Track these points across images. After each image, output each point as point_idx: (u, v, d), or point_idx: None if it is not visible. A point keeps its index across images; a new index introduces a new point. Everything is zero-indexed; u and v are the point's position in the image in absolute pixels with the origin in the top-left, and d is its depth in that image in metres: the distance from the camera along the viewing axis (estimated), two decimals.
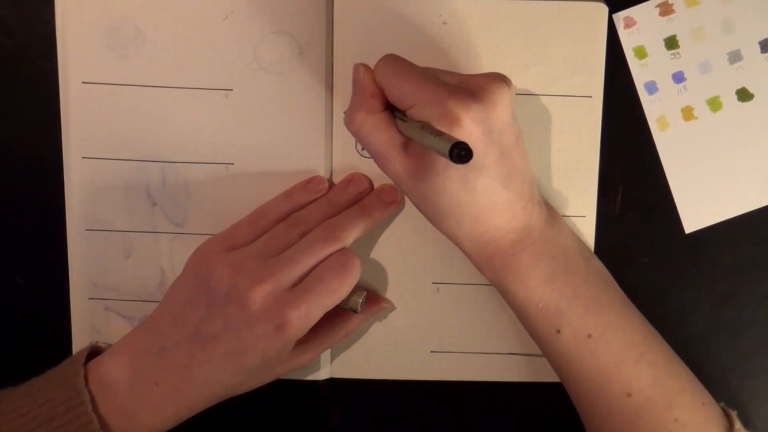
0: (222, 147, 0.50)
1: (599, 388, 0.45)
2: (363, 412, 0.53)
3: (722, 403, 0.48)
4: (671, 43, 0.49)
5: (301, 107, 0.49)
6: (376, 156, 0.44)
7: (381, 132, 0.43)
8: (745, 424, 0.48)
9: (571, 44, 0.49)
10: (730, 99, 0.50)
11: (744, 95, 0.50)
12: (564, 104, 0.50)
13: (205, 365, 0.43)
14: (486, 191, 0.42)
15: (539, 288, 0.45)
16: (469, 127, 0.40)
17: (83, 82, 0.49)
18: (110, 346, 0.47)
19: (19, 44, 0.50)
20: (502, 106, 0.41)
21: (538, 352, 0.51)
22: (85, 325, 0.51)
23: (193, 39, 0.49)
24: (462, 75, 0.44)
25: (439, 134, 0.39)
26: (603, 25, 0.49)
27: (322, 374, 0.52)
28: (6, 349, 0.52)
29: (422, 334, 0.51)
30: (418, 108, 0.41)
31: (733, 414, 0.47)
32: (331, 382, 0.52)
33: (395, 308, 0.51)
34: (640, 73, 0.50)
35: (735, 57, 0.49)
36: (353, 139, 0.50)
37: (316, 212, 0.47)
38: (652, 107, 0.50)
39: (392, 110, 0.44)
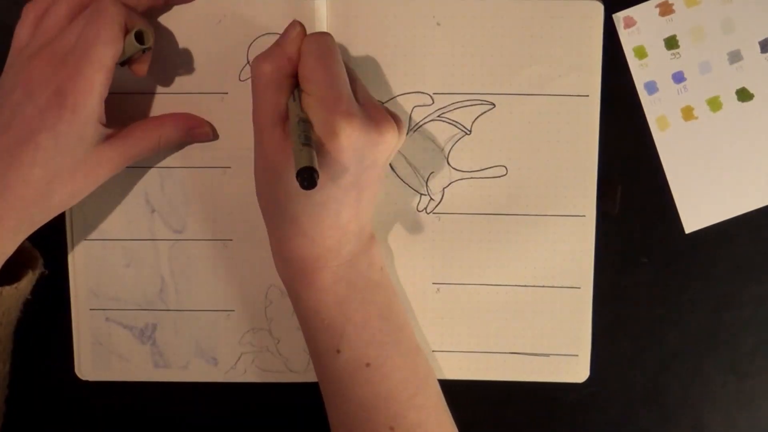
0: (218, 151, 0.49)
1: (365, 417, 0.45)
2: None
3: None
4: (671, 43, 0.49)
5: None
6: (256, 110, 0.43)
7: (274, 92, 0.43)
8: (746, 425, 0.49)
9: (567, 43, 0.49)
10: (730, 99, 0.49)
11: (744, 95, 0.49)
12: (561, 104, 0.49)
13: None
14: (319, 203, 0.42)
15: (330, 305, 0.45)
16: (342, 145, 0.41)
17: None
18: None
19: None
20: (383, 147, 0.42)
21: (539, 351, 0.51)
22: (86, 336, 0.51)
23: (187, 43, 0.48)
24: (370, 100, 0.44)
25: (309, 142, 0.39)
26: (599, 24, 0.49)
27: None
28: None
29: (423, 334, 0.52)
30: (313, 99, 0.42)
31: None
32: None
33: (216, 137, 0.50)
34: (640, 73, 0.49)
35: (735, 57, 0.49)
36: None
37: None
38: (652, 107, 0.50)
39: (296, 85, 0.44)
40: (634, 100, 0.50)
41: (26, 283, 0.46)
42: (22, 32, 0.46)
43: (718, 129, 0.50)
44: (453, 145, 0.50)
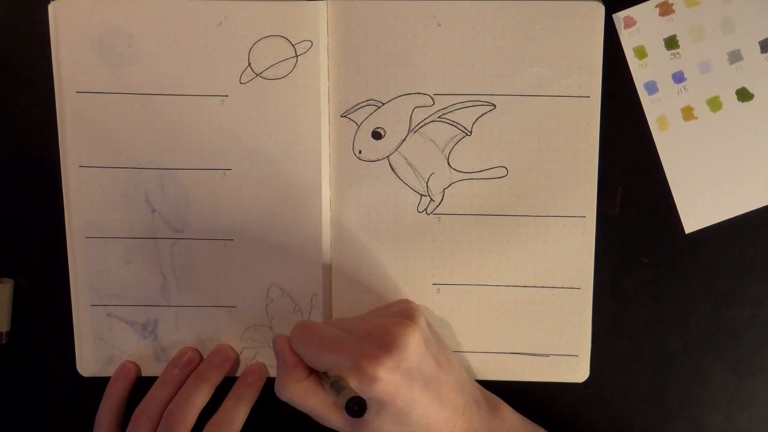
0: (219, 153, 0.50)
1: None
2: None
3: None
4: (671, 43, 0.49)
5: (298, 112, 0.49)
6: (314, 416, 0.46)
7: (311, 396, 0.45)
8: (746, 425, 0.49)
9: (568, 44, 0.49)
10: (730, 99, 0.49)
11: (744, 95, 0.49)
12: (561, 105, 0.49)
13: None
14: (422, 419, 0.44)
15: None
16: (387, 380, 0.42)
17: (78, 92, 0.49)
18: None
19: (18, 44, 0.50)
20: (412, 346, 0.44)
21: (539, 351, 0.51)
22: (88, 332, 0.52)
23: (187, 46, 0.49)
24: (370, 321, 0.46)
25: (342, 387, 0.42)
26: (600, 25, 0.49)
27: None
28: (9, 358, 0.53)
29: None
30: (336, 370, 0.44)
31: None
32: None
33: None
34: (640, 73, 0.49)
35: (735, 57, 0.49)
36: (350, 143, 0.50)
37: (153, 401, 0.50)
38: (652, 107, 0.50)
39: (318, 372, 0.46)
40: (634, 100, 0.50)
41: None
42: None
43: (718, 129, 0.49)
44: (453, 146, 0.50)
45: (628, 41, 0.49)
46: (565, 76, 0.49)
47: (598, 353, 0.51)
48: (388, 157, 0.50)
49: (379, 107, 0.50)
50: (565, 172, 0.50)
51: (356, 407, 0.40)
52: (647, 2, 0.49)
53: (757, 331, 0.51)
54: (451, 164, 0.50)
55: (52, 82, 0.49)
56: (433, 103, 0.50)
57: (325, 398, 0.45)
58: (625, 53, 0.49)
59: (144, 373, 0.52)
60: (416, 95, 0.50)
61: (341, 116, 0.50)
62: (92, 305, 0.51)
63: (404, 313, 0.47)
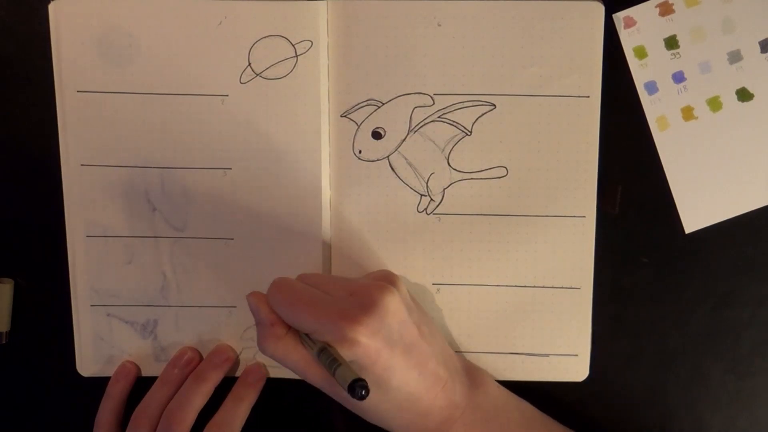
0: (219, 152, 0.50)
1: None
2: None
3: None
4: (671, 43, 0.49)
5: (298, 111, 0.49)
6: (295, 371, 0.45)
7: (292, 353, 0.45)
8: (746, 425, 0.49)
9: (568, 44, 0.49)
10: (730, 99, 0.49)
11: (744, 95, 0.49)
12: (561, 105, 0.49)
13: None
14: (402, 386, 0.44)
15: None
16: (366, 344, 0.42)
17: (78, 91, 0.49)
18: None
19: (18, 44, 0.50)
20: (393, 310, 0.44)
21: (538, 351, 0.51)
22: (88, 332, 0.52)
23: (188, 45, 0.49)
24: (349, 284, 0.45)
25: (337, 363, 0.41)
26: (600, 25, 0.49)
27: None
28: (9, 358, 0.53)
29: None
30: (316, 334, 0.43)
31: None
32: None
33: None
34: (640, 73, 0.49)
35: (735, 57, 0.49)
36: (350, 143, 0.50)
37: (153, 401, 0.50)
38: (652, 107, 0.50)
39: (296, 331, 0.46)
40: (634, 100, 0.50)
41: None
42: None
43: (718, 129, 0.49)
44: (453, 146, 0.50)
45: (628, 41, 0.49)
46: (565, 76, 0.49)
47: (598, 353, 0.51)
48: (388, 157, 0.50)
49: (379, 107, 0.50)
50: (565, 172, 0.50)
51: (363, 391, 0.40)
52: (647, 2, 0.49)
53: (757, 331, 0.51)
54: (451, 164, 0.50)
55: (52, 82, 0.49)
56: (433, 103, 0.50)
57: (305, 355, 0.44)
58: (625, 53, 0.49)
59: (144, 374, 0.52)
60: (416, 95, 0.50)
61: (341, 116, 0.50)
62: (92, 305, 0.51)
63: (385, 278, 0.46)
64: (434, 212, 0.51)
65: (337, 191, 0.50)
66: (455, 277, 0.51)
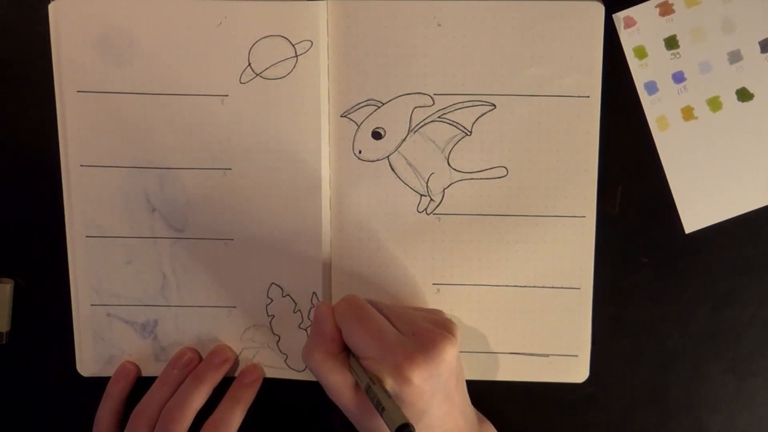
0: (219, 152, 0.50)
1: None
2: None
3: None
4: (671, 43, 0.49)
5: (298, 111, 0.49)
6: (328, 390, 0.46)
7: (336, 373, 0.45)
8: (746, 425, 0.49)
9: (568, 44, 0.49)
10: (730, 99, 0.49)
11: (744, 95, 0.49)
12: (562, 105, 0.49)
13: None
14: (427, 428, 0.45)
15: None
16: (418, 386, 0.43)
17: (78, 91, 0.49)
18: None
19: (18, 44, 0.50)
20: (449, 359, 0.44)
21: (538, 351, 0.51)
22: (88, 332, 0.52)
23: (188, 46, 0.49)
24: (415, 323, 0.45)
25: (385, 404, 0.42)
26: (600, 25, 0.49)
27: None
28: (9, 358, 0.53)
29: None
30: (373, 361, 0.44)
31: None
32: None
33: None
34: (640, 73, 0.49)
35: (735, 57, 0.49)
36: (350, 143, 0.50)
37: (152, 402, 0.50)
38: (652, 107, 0.50)
39: (348, 350, 0.46)
40: (634, 100, 0.50)
41: None
42: None
43: (718, 129, 0.49)
44: (453, 146, 0.50)
45: (628, 41, 0.49)
46: (565, 76, 0.49)
47: (598, 353, 0.51)
48: (388, 157, 0.50)
49: (379, 107, 0.50)
50: (565, 172, 0.50)
51: None
52: (647, 2, 0.49)
53: (757, 331, 0.51)
54: (451, 164, 0.50)
55: (52, 82, 0.49)
56: (433, 103, 0.50)
57: (347, 377, 0.45)
58: (625, 53, 0.49)
59: (144, 374, 0.52)
60: (416, 95, 0.50)
61: (341, 116, 0.50)
62: (92, 305, 0.51)
63: (445, 324, 0.46)
64: (434, 212, 0.51)
65: (337, 191, 0.50)
66: (455, 277, 0.51)
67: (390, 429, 0.41)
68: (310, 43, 0.49)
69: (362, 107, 0.50)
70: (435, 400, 0.44)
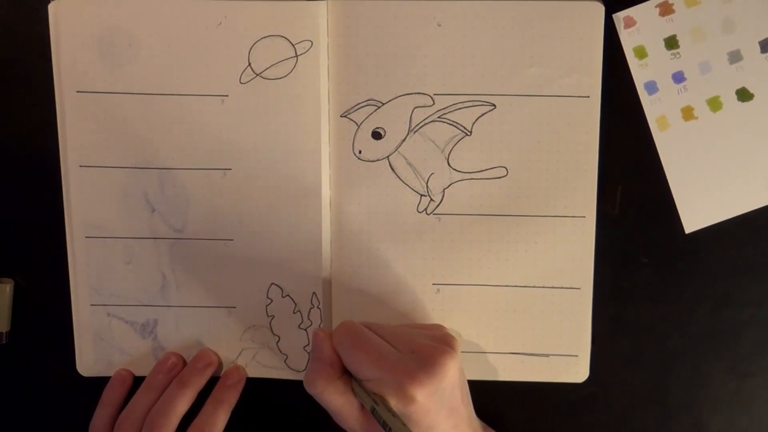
0: (219, 153, 0.50)
1: None
2: None
3: None
4: (671, 43, 0.49)
5: (298, 111, 0.49)
6: (334, 415, 0.46)
7: (339, 396, 0.45)
8: (746, 425, 0.49)
9: (568, 44, 0.49)
10: (730, 99, 0.49)
11: (744, 95, 0.49)
12: (562, 105, 0.49)
13: None
14: None
15: None
16: (422, 403, 0.43)
17: (78, 91, 0.49)
18: None
19: (18, 44, 0.50)
20: (451, 374, 0.44)
21: (538, 351, 0.51)
22: (87, 331, 0.52)
23: (187, 46, 0.49)
24: (414, 341, 0.45)
25: (391, 425, 0.42)
26: (600, 25, 0.49)
27: None
28: (9, 358, 0.53)
29: None
30: (375, 383, 0.44)
31: None
32: None
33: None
34: (640, 73, 0.49)
35: (735, 57, 0.49)
36: (350, 143, 0.50)
37: (137, 407, 0.50)
38: (652, 107, 0.50)
39: (350, 374, 0.46)
40: (634, 100, 0.50)
41: None
42: None
43: (718, 129, 0.49)
44: (453, 146, 0.50)
45: (628, 41, 0.49)
46: (565, 76, 0.49)
47: (598, 353, 0.51)
48: (388, 157, 0.50)
49: (379, 107, 0.50)
50: (565, 172, 0.50)
51: None
52: (647, 2, 0.49)
53: (757, 331, 0.51)
54: (451, 164, 0.50)
55: (52, 82, 0.49)
56: (433, 103, 0.50)
57: (351, 400, 0.45)
58: (625, 53, 0.49)
59: (144, 373, 0.52)
60: (416, 95, 0.50)
61: (341, 116, 0.50)
62: (92, 305, 0.51)
63: (444, 339, 0.46)
64: (434, 212, 0.51)
65: (337, 191, 0.50)
66: (455, 277, 0.51)
67: None
68: (310, 43, 0.49)
69: (362, 107, 0.50)
70: (441, 415, 0.44)
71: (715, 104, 0.49)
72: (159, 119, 0.50)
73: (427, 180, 0.50)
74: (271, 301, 0.51)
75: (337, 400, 0.45)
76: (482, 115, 0.50)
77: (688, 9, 0.49)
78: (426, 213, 0.51)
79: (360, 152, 0.50)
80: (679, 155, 0.50)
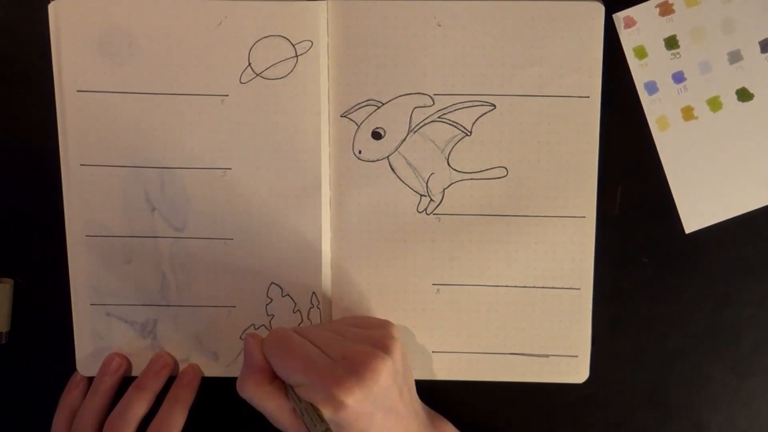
0: (219, 152, 0.50)
1: None
2: None
3: None
4: (671, 43, 0.49)
5: (297, 111, 0.49)
6: (267, 417, 0.46)
7: (271, 400, 0.45)
8: (746, 425, 0.49)
9: (568, 44, 0.49)
10: (730, 99, 0.49)
11: (744, 95, 0.49)
12: (561, 105, 0.49)
13: None
14: None
15: None
16: (352, 408, 0.43)
17: (78, 91, 0.49)
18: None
19: (18, 44, 0.50)
20: (384, 377, 0.44)
21: (538, 352, 0.51)
22: (87, 331, 0.52)
23: (188, 45, 0.49)
24: (344, 345, 0.45)
25: (315, 416, 0.43)
26: (600, 25, 0.49)
27: None
28: (9, 358, 0.53)
29: (423, 335, 0.52)
30: (304, 389, 0.44)
31: None
32: None
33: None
34: (640, 73, 0.49)
35: (735, 57, 0.49)
36: (350, 143, 0.50)
37: (87, 412, 0.51)
38: (652, 107, 0.50)
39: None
40: (634, 100, 0.50)
41: None
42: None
43: (718, 129, 0.49)
44: (453, 146, 0.50)
45: (628, 41, 0.49)
46: (565, 76, 0.49)
47: (598, 353, 0.51)
48: (388, 157, 0.50)
49: (379, 107, 0.50)
50: (565, 172, 0.50)
51: None
52: (647, 2, 0.49)
53: (757, 331, 0.51)
54: (451, 164, 0.50)
55: (52, 82, 0.49)
56: (433, 103, 0.50)
57: (283, 404, 0.45)
58: (625, 53, 0.49)
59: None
60: (416, 95, 0.50)
61: (341, 116, 0.50)
62: (92, 304, 0.51)
63: (382, 341, 0.46)
64: (434, 212, 0.51)
65: (337, 191, 0.50)
66: (455, 277, 0.51)
67: None
68: (310, 43, 0.49)
69: (362, 107, 0.50)
70: (376, 418, 0.44)
71: (715, 104, 0.49)
72: (159, 119, 0.50)
73: (427, 180, 0.50)
74: (271, 300, 0.51)
75: (268, 404, 0.45)
76: (482, 115, 0.50)
77: (688, 9, 0.49)
78: (426, 213, 0.51)
79: (360, 152, 0.50)
80: (679, 155, 0.50)
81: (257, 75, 0.49)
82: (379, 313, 0.51)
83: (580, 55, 0.49)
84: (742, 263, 0.51)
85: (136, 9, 0.49)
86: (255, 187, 0.50)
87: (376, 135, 0.50)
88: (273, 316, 0.51)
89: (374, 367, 0.44)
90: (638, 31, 0.49)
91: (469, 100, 0.50)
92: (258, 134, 0.50)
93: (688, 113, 0.50)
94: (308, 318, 0.51)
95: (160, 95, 0.49)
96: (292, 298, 0.51)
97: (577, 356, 0.51)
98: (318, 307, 0.51)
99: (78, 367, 0.52)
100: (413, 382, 0.49)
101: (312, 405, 0.43)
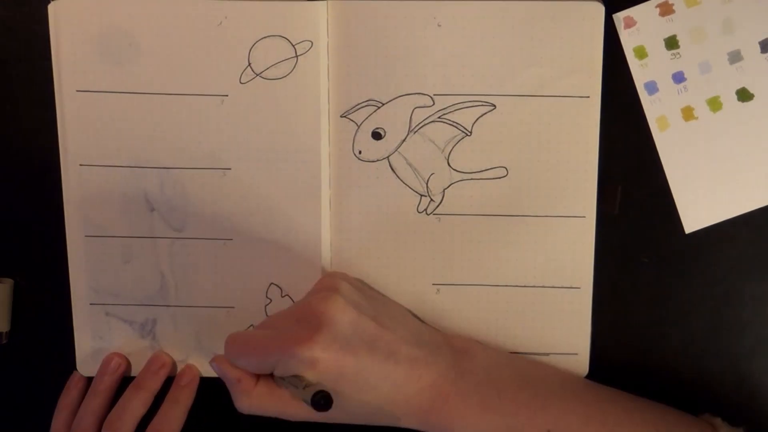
0: (219, 152, 0.50)
1: None
2: None
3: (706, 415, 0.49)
4: (671, 43, 0.49)
5: (297, 111, 0.49)
6: (278, 417, 0.46)
7: (267, 401, 0.45)
8: (746, 425, 0.49)
9: (568, 45, 0.49)
10: (730, 99, 0.49)
11: (744, 95, 0.49)
12: (561, 105, 0.49)
13: None
14: (381, 381, 0.44)
15: (482, 418, 0.46)
16: (325, 358, 0.42)
17: (78, 91, 0.49)
18: None
19: (18, 44, 0.50)
20: (340, 313, 0.43)
21: (538, 351, 0.51)
22: (86, 331, 0.52)
23: (188, 45, 0.49)
24: (294, 308, 0.46)
25: (302, 386, 0.42)
26: (600, 25, 0.49)
27: None
28: (9, 358, 0.53)
29: None
30: (280, 368, 0.43)
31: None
32: None
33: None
34: (640, 73, 0.49)
35: (735, 57, 0.49)
36: (350, 143, 0.50)
37: (87, 413, 0.51)
38: (652, 107, 0.50)
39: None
40: (634, 100, 0.50)
41: None
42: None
43: (718, 129, 0.49)
44: (453, 146, 0.50)
45: (628, 41, 0.49)
46: (565, 76, 0.49)
47: (598, 353, 0.51)
48: (388, 157, 0.50)
49: (379, 107, 0.50)
50: (565, 172, 0.50)
51: (322, 401, 0.40)
52: (647, 2, 0.49)
53: (757, 331, 0.51)
54: (451, 164, 0.50)
55: (52, 82, 0.49)
56: (433, 104, 0.50)
57: (282, 396, 0.45)
58: (625, 53, 0.49)
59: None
60: (416, 95, 0.50)
61: (341, 116, 0.50)
62: (91, 304, 0.51)
63: (323, 288, 0.46)
64: (434, 212, 0.51)
65: (337, 191, 0.50)
66: (455, 277, 0.51)
67: (306, 402, 0.41)
68: (310, 43, 0.49)
69: (362, 107, 0.50)
70: (360, 355, 0.43)
71: (715, 104, 0.49)
72: (159, 119, 0.50)
73: (427, 180, 0.50)
74: (270, 300, 0.51)
75: (267, 405, 0.45)
76: (482, 115, 0.50)
77: (688, 9, 0.49)
78: (426, 213, 0.51)
79: (360, 152, 0.50)
80: (679, 155, 0.50)
81: (257, 75, 0.49)
82: None
83: (580, 55, 0.49)
84: (742, 263, 0.51)
85: (136, 9, 0.49)
86: (255, 187, 0.50)
87: (376, 135, 0.50)
88: None
89: (323, 309, 0.43)
90: (638, 31, 0.49)
91: (469, 100, 0.50)
92: (258, 134, 0.50)
93: (688, 113, 0.50)
94: None
95: (160, 95, 0.49)
96: (291, 298, 0.51)
97: (576, 354, 0.51)
98: None
99: (77, 366, 0.52)
100: (399, 311, 0.48)
101: (295, 377, 0.42)
